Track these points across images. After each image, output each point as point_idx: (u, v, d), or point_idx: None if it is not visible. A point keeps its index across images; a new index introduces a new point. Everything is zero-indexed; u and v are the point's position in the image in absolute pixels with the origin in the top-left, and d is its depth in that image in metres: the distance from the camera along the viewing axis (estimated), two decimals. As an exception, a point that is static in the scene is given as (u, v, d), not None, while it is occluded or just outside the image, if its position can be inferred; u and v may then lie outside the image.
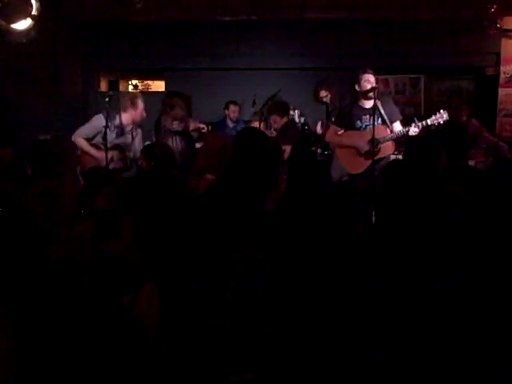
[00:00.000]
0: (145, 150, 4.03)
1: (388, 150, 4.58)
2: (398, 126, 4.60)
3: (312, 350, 2.30)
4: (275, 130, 5.84)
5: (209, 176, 3.33)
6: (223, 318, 1.76)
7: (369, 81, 4.56)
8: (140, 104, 4.83)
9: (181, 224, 2.45)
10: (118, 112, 4.77)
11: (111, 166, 4.52)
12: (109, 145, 4.49)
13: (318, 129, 5.89)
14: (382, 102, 4.64)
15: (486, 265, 2.50)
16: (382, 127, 4.56)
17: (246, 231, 2.43)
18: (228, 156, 3.21)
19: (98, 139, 4.73)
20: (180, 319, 1.82)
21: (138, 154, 4.49)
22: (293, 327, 2.25)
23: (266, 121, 6.54)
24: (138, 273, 2.09)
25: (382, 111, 4.57)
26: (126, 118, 4.81)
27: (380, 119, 4.57)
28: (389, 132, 4.56)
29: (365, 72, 4.62)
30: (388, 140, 4.53)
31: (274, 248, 2.47)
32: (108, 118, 4.52)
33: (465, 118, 5.73)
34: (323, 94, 5.92)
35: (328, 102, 5.88)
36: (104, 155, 4.47)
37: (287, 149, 5.28)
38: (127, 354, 1.89)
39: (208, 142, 3.74)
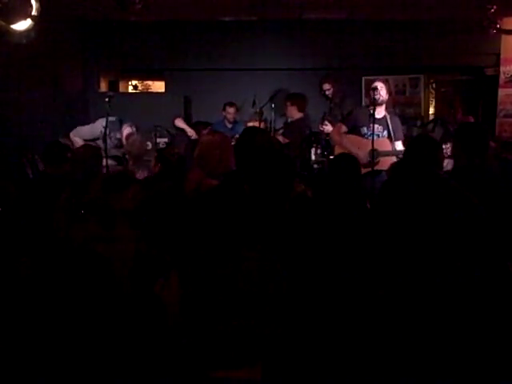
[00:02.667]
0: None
1: (386, 165, 4.53)
2: (399, 145, 4.61)
3: (320, 348, 2.30)
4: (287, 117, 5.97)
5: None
6: (233, 312, 1.77)
7: (377, 89, 4.51)
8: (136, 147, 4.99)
9: (196, 219, 2.46)
10: (122, 125, 4.88)
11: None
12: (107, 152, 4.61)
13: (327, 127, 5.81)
14: (390, 116, 4.66)
15: (486, 264, 2.50)
16: (387, 141, 4.55)
17: (262, 230, 2.42)
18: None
19: (98, 143, 4.79)
20: (196, 306, 1.85)
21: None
22: (303, 325, 2.25)
23: (266, 121, 6.56)
24: (163, 263, 2.13)
25: (390, 125, 4.58)
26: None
27: (386, 132, 4.58)
28: (391, 147, 4.54)
29: (374, 80, 4.63)
30: (388, 155, 4.45)
31: (288, 246, 2.47)
32: (111, 125, 4.65)
33: (459, 117, 5.72)
34: (326, 86, 5.93)
35: (330, 96, 5.87)
36: None
37: (280, 139, 5.41)
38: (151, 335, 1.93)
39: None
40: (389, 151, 4.49)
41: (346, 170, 2.90)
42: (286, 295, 2.02)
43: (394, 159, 4.44)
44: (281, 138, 5.61)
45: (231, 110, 6.47)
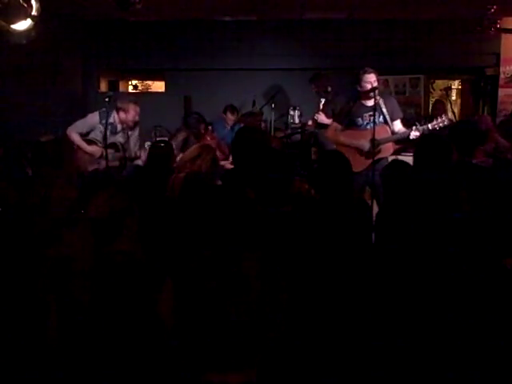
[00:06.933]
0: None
1: (388, 151, 4.58)
2: (398, 125, 4.61)
3: (317, 350, 2.29)
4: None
5: (181, 174, 3.43)
6: (230, 314, 1.75)
7: (369, 81, 4.55)
8: (131, 109, 4.88)
9: (189, 221, 2.43)
10: (113, 110, 4.83)
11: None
12: (102, 141, 4.59)
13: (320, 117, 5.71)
14: (384, 99, 4.64)
15: (484, 262, 2.51)
16: (384, 127, 4.56)
17: (263, 232, 2.42)
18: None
19: (92, 135, 4.79)
20: (191, 311, 1.83)
21: (133, 154, 4.79)
22: (300, 327, 2.24)
23: (266, 121, 6.56)
24: (155, 270, 2.10)
25: (384, 109, 4.57)
26: (120, 118, 4.88)
27: (382, 117, 4.58)
28: (389, 132, 4.57)
29: (365, 72, 4.60)
30: (389, 141, 4.54)
31: (288, 247, 2.46)
32: (103, 115, 4.64)
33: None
34: (312, 87, 5.95)
35: (322, 92, 5.89)
36: (97, 150, 4.75)
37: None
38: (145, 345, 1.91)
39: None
40: (388, 138, 4.53)
41: (334, 166, 2.88)
42: (285, 299, 2.01)
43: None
44: None
45: (232, 116, 6.30)
